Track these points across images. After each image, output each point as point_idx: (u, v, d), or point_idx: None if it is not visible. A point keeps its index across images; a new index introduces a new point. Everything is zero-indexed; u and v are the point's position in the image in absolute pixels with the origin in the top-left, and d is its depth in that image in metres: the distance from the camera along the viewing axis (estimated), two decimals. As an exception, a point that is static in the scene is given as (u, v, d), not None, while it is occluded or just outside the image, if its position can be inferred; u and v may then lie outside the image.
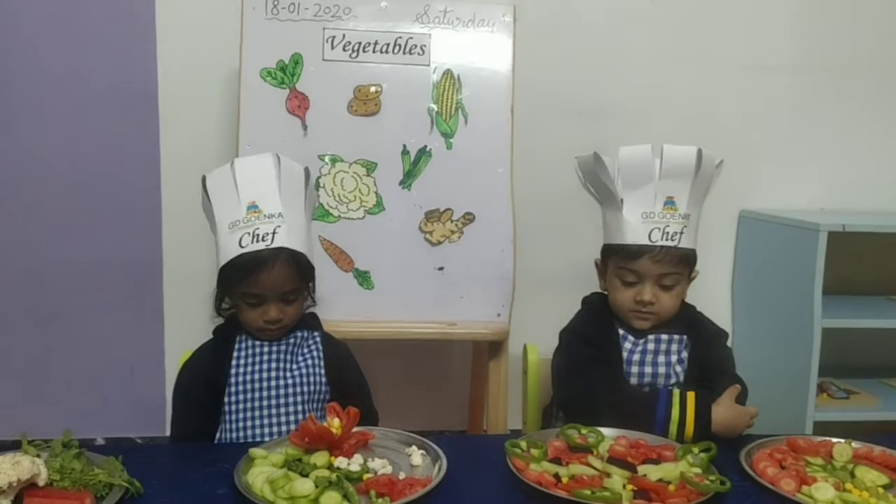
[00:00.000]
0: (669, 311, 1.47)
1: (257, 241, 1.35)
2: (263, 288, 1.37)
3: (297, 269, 1.40)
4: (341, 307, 2.00)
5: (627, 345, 1.48)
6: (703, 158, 1.42)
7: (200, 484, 1.14)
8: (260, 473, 1.12)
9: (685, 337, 1.49)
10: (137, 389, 2.53)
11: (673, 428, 1.34)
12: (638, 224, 1.43)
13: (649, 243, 1.42)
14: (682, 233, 1.43)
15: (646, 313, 1.46)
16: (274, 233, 1.36)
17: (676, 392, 1.38)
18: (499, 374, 2.02)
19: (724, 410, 1.35)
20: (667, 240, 1.42)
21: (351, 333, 1.92)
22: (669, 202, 1.42)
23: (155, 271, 2.47)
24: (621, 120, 2.47)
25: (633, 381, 1.46)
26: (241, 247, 1.35)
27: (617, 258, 1.47)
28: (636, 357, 1.47)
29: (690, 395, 1.37)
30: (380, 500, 1.07)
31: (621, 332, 1.49)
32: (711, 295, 2.50)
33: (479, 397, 2.38)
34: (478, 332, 1.99)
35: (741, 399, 1.41)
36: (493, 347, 2.01)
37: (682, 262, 1.45)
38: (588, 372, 1.45)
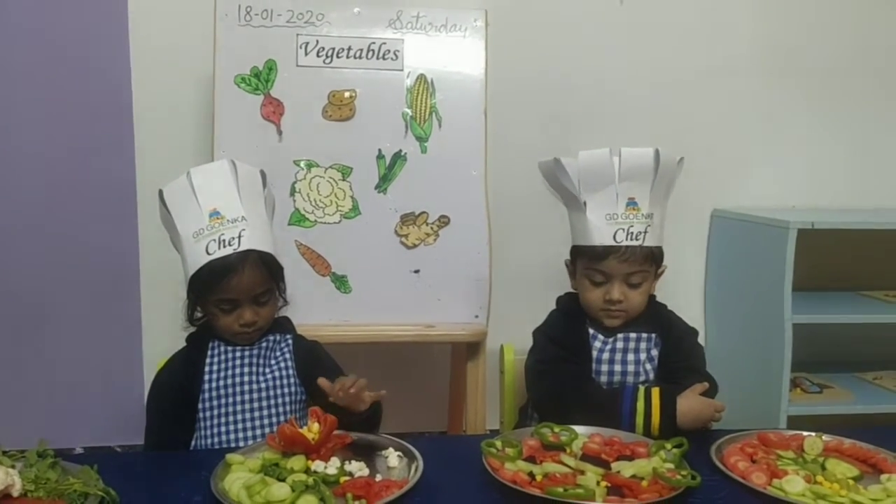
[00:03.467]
0: (638, 307, 1.50)
1: (224, 246, 1.35)
2: (235, 292, 1.38)
3: (267, 269, 1.41)
4: (319, 311, 2.00)
5: (597, 343, 1.50)
6: (661, 158, 1.44)
7: (177, 491, 1.13)
8: (236, 479, 1.13)
9: (654, 335, 1.51)
10: (116, 397, 2.51)
11: (639, 420, 1.36)
12: (602, 225, 1.45)
13: (615, 244, 1.44)
14: (646, 232, 1.45)
15: (615, 311, 1.48)
16: (240, 236, 1.36)
17: (641, 387, 1.41)
18: (477, 375, 2.03)
19: (688, 402, 1.37)
20: (631, 240, 1.44)
21: (329, 337, 1.92)
22: (631, 202, 1.45)
23: (132, 278, 2.45)
24: (593, 122, 2.49)
25: (604, 379, 1.49)
26: (209, 254, 1.35)
27: (585, 259, 1.49)
28: (606, 356, 1.49)
29: (655, 389, 1.39)
30: (356, 503, 1.08)
31: (591, 331, 1.51)
32: (684, 293, 2.53)
33: (459, 398, 2.39)
34: (456, 333, 2.00)
35: (710, 395, 1.43)
36: (471, 348, 2.03)
37: (648, 260, 1.48)
38: (555, 372, 1.47)
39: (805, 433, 1.33)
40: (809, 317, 2.25)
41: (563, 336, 1.52)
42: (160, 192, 1.41)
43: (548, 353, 1.51)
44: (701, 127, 2.56)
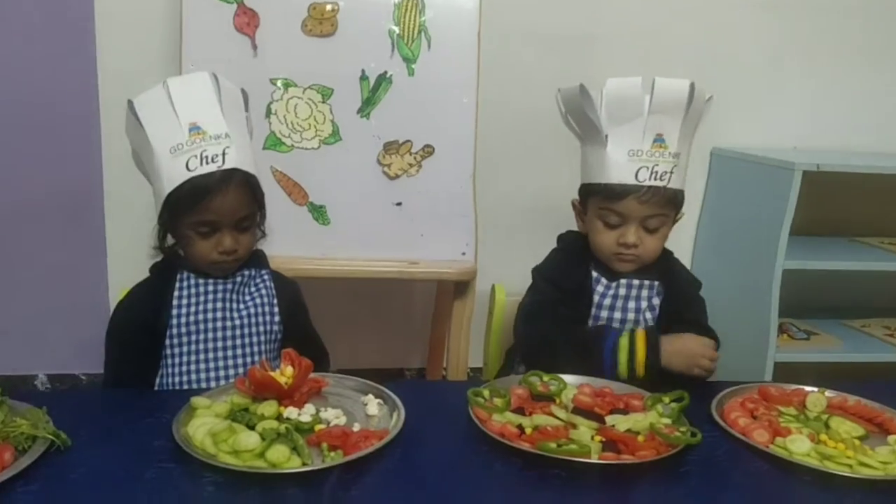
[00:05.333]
0: (652, 254, 1.40)
1: (207, 162, 1.23)
2: (217, 214, 1.26)
3: (252, 192, 1.30)
4: (296, 243, 1.89)
5: (600, 288, 1.41)
6: (695, 93, 1.32)
7: (135, 436, 1.04)
8: (202, 425, 1.04)
9: (658, 283, 1.42)
10: (80, 324, 2.40)
11: (622, 356, 1.30)
12: (624, 162, 1.33)
13: (636, 183, 1.33)
14: (671, 173, 1.34)
15: (628, 256, 1.38)
16: (224, 153, 1.25)
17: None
18: (463, 315, 1.95)
19: (680, 341, 1.30)
20: (655, 179, 1.33)
21: (307, 271, 1.82)
22: (659, 139, 1.33)
23: (95, 200, 2.32)
24: (591, 52, 2.35)
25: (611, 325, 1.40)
26: (189, 170, 1.23)
27: (599, 198, 1.38)
28: (607, 301, 1.40)
29: (640, 329, 1.33)
30: (332, 454, 0.99)
31: (595, 274, 1.42)
32: (675, 231, 2.43)
33: (441, 336, 2.32)
34: (443, 271, 1.90)
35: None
36: (458, 287, 1.93)
37: (670, 204, 1.37)
38: (547, 315, 1.39)
39: (807, 388, 1.27)
40: (803, 262, 2.19)
41: (563, 278, 1.42)
42: (130, 103, 1.26)
43: (544, 295, 1.42)
44: (702, 62, 2.43)
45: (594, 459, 1.00)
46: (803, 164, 2.06)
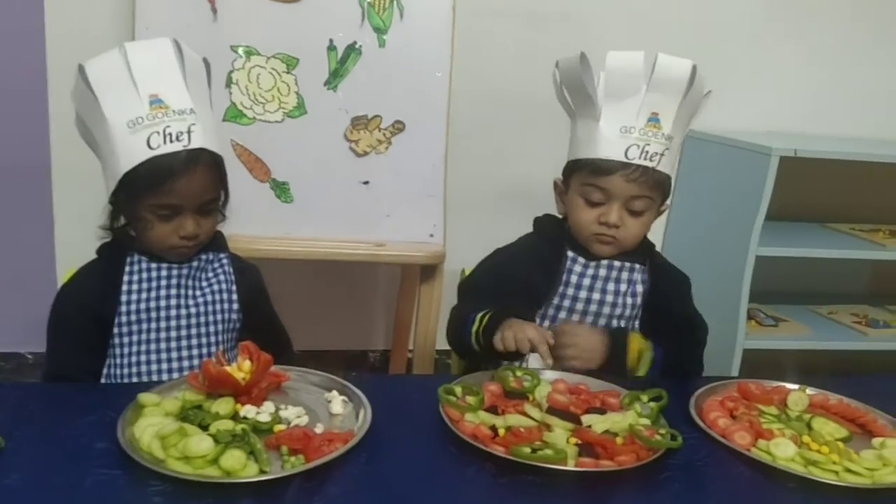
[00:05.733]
0: (633, 240, 1.34)
1: (171, 140, 1.13)
2: (181, 197, 1.17)
3: (218, 174, 1.21)
4: (256, 221, 1.80)
5: (577, 268, 1.35)
6: (696, 77, 1.27)
7: (76, 436, 0.96)
8: (149, 426, 0.95)
9: (641, 267, 1.37)
10: (25, 300, 2.28)
11: (474, 327, 1.29)
12: (615, 138, 1.28)
13: (625, 160, 1.27)
14: (662, 155, 1.28)
15: (608, 237, 1.32)
16: (189, 131, 1.15)
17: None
18: (431, 298, 1.88)
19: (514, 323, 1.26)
20: (645, 159, 1.27)
21: (267, 251, 1.74)
22: (654, 119, 1.27)
23: (42, 170, 2.18)
24: (568, 27, 2.28)
25: (579, 307, 1.35)
26: (152, 148, 1.13)
27: (584, 173, 1.32)
28: (586, 282, 1.35)
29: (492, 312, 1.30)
30: (292, 459, 0.92)
31: (570, 254, 1.36)
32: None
33: (405, 318, 2.26)
34: (410, 254, 1.82)
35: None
36: (426, 271, 1.86)
37: (657, 188, 1.31)
38: (467, 300, 1.38)
39: (788, 385, 1.23)
40: (775, 249, 2.16)
41: (531, 257, 1.38)
42: (80, 68, 1.15)
43: (484, 280, 1.40)
44: (678, 41, 2.35)
45: (571, 467, 0.95)
46: (780, 150, 2.02)
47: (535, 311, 1.36)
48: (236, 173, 1.78)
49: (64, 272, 1.37)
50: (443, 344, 1.92)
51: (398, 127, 1.86)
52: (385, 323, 2.45)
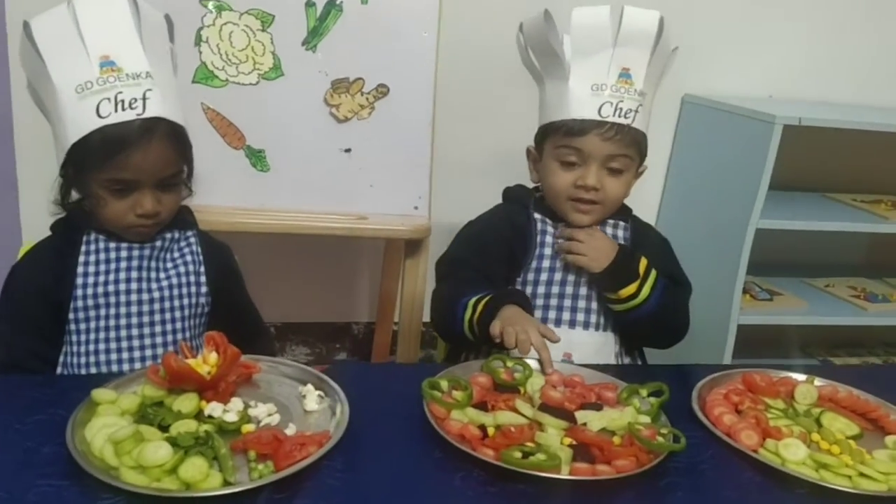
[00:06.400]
0: (614, 201, 1.29)
1: (123, 108, 1.03)
2: (136, 172, 1.06)
3: (179, 146, 1.11)
4: (230, 192, 1.68)
5: (550, 228, 1.30)
6: (663, 29, 1.23)
7: (22, 438, 0.88)
8: (103, 427, 0.86)
9: (623, 223, 1.33)
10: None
11: (467, 314, 1.20)
12: (586, 97, 1.23)
13: (599, 118, 1.22)
14: (636, 111, 1.24)
15: (588, 202, 1.26)
16: (144, 98, 1.05)
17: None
18: (416, 273, 1.78)
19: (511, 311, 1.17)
20: (620, 116, 1.23)
21: (241, 224, 1.63)
22: (625, 74, 1.23)
23: (4, 133, 2.06)
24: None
25: (557, 267, 1.30)
26: (101, 117, 1.03)
27: (558, 136, 1.26)
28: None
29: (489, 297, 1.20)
30: (261, 467, 0.84)
31: (537, 216, 1.31)
32: (641, 182, 2.32)
33: (390, 290, 2.16)
34: (394, 228, 1.72)
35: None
36: (410, 244, 1.76)
37: (634, 146, 1.26)
38: (455, 275, 1.30)
39: (794, 375, 1.16)
40: (777, 222, 2.07)
41: (504, 224, 1.32)
42: (25, 25, 1.05)
43: (462, 253, 1.33)
44: (675, 3, 2.25)
45: (564, 475, 0.87)
46: (784, 118, 1.92)
47: (516, 278, 1.31)
48: (208, 140, 1.68)
49: (29, 241, 1.27)
50: (427, 316, 1.84)
51: (382, 91, 1.75)
52: (369, 295, 2.36)
